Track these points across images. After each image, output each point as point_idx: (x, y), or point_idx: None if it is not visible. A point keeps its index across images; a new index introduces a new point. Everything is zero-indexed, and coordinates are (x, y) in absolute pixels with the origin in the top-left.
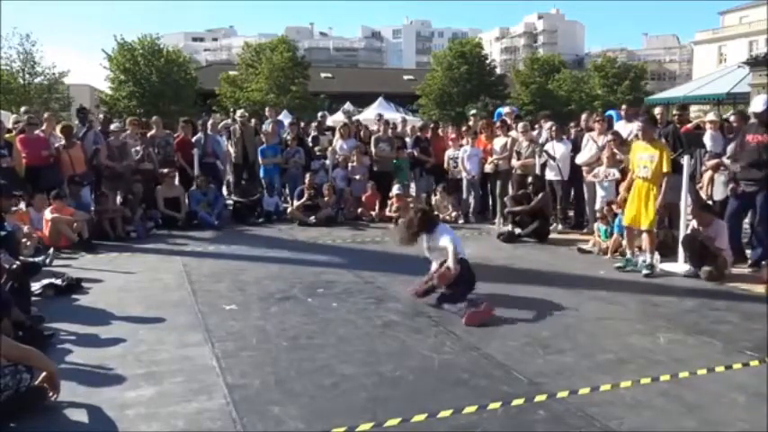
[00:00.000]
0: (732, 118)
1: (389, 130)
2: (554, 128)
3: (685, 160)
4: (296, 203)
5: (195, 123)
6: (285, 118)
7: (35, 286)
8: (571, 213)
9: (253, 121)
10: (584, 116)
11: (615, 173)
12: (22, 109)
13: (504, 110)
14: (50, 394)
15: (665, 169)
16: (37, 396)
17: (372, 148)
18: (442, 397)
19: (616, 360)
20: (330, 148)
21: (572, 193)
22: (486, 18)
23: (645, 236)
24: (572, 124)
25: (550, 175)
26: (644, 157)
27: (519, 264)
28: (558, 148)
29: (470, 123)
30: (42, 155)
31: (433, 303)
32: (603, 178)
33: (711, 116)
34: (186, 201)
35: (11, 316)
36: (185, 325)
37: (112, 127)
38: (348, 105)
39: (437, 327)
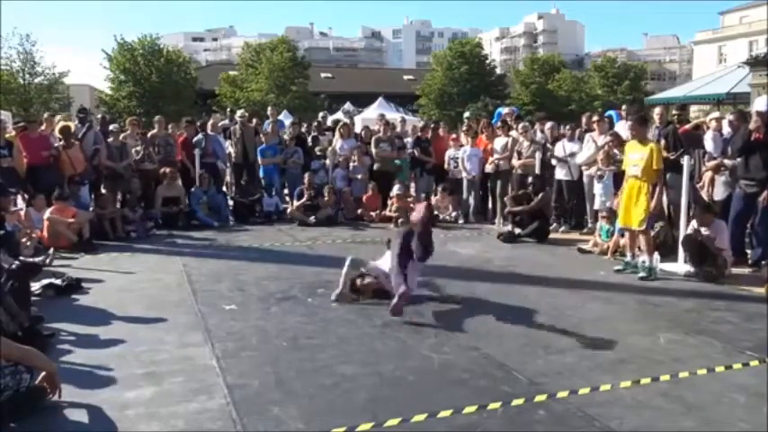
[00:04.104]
0: (731, 117)
1: (389, 131)
2: (556, 128)
3: (685, 160)
4: (296, 203)
5: (196, 123)
6: (285, 118)
7: (35, 286)
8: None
9: (254, 120)
10: (584, 118)
11: (612, 171)
12: None
13: (505, 110)
14: (50, 394)
15: (655, 166)
16: (37, 396)
17: (373, 149)
18: (441, 397)
19: (616, 360)
20: (330, 149)
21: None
22: (486, 18)
23: (640, 236)
24: (568, 127)
25: (560, 174)
26: (635, 157)
27: (519, 264)
28: (570, 148)
29: (464, 128)
30: (42, 155)
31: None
32: (595, 173)
33: (714, 114)
34: (187, 200)
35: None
36: (185, 325)
37: (112, 127)
38: (348, 105)
39: (437, 327)
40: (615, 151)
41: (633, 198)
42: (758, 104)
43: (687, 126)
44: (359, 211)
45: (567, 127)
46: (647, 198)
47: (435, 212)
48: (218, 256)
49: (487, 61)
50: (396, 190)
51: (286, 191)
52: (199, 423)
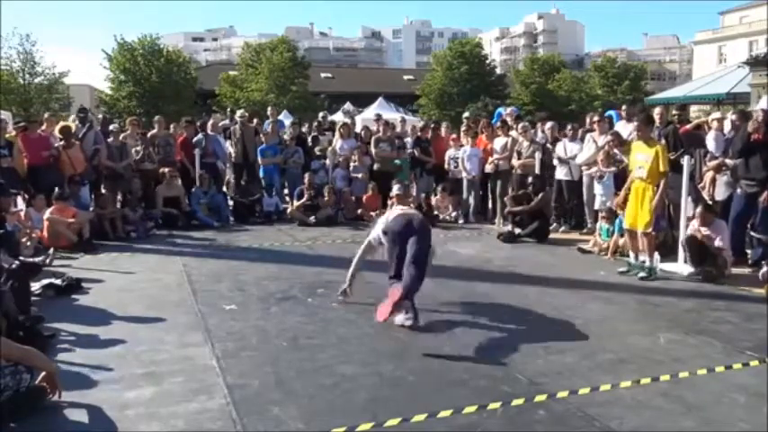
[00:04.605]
0: (733, 117)
1: (389, 131)
2: (557, 128)
3: (685, 160)
4: (296, 203)
5: (195, 123)
6: (285, 118)
7: (35, 286)
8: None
9: (255, 120)
10: (588, 118)
11: (612, 171)
12: None
13: (506, 111)
14: (50, 394)
15: (662, 169)
16: (37, 396)
17: (372, 149)
18: (441, 397)
19: (616, 360)
20: (330, 149)
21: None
22: (486, 18)
23: (643, 238)
24: (570, 127)
25: (560, 174)
26: (640, 158)
27: (519, 264)
28: (571, 148)
29: (463, 129)
30: (43, 155)
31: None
32: (595, 173)
33: (716, 114)
34: (187, 200)
35: (1, 305)
36: (185, 325)
37: (112, 127)
38: (348, 105)
39: (437, 327)
40: (615, 151)
41: (639, 200)
42: (762, 103)
43: (688, 126)
44: (359, 211)
45: (569, 127)
46: (652, 201)
47: (435, 212)
48: (218, 256)
49: (487, 61)
50: (396, 190)
51: (286, 191)
52: (199, 423)
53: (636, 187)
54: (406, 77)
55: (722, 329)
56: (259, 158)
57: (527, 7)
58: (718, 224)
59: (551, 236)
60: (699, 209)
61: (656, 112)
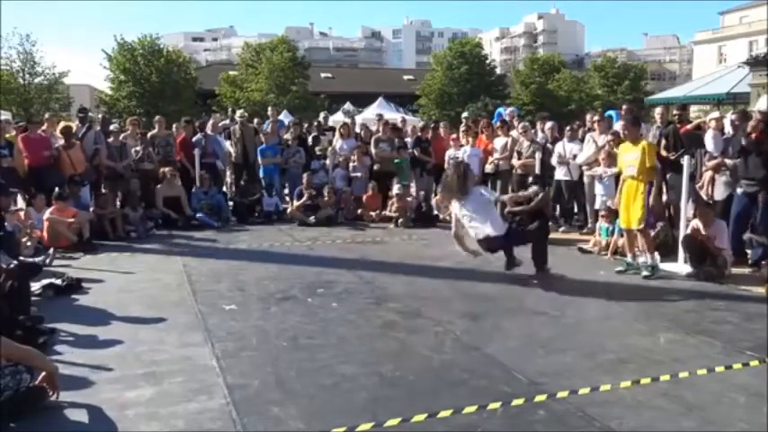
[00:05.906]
0: (733, 117)
1: (389, 130)
2: (557, 128)
3: (686, 160)
4: (296, 203)
5: (194, 123)
6: (286, 118)
7: (35, 286)
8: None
9: (255, 120)
10: (588, 115)
11: (613, 171)
12: None
13: (507, 110)
14: (50, 394)
15: (648, 164)
16: (37, 396)
17: (372, 149)
18: (441, 397)
19: (616, 360)
20: (330, 149)
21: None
22: (486, 18)
23: (639, 235)
24: (569, 128)
25: (560, 174)
26: (628, 157)
27: None
28: (571, 148)
29: (462, 129)
30: (44, 155)
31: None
32: (601, 174)
33: (714, 114)
34: (187, 201)
35: None
36: (185, 325)
37: (112, 127)
38: (348, 105)
39: (437, 327)
40: (616, 150)
41: (631, 198)
42: (761, 104)
43: (689, 126)
44: (359, 211)
45: (568, 128)
46: (644, 197)
47: (435, 212)
48: (218, 256)
49: (487, 61)
50: (396, 189)
51: (286, 191)
52: (199, 423)
53: (628, 186)
54: (406, 77)
55: (722, 329)
56: (259, 158)
57: (527, 7)
58: (718, 224)
59: (551, 236)
60: (699, 208)
61: (657, 111)
